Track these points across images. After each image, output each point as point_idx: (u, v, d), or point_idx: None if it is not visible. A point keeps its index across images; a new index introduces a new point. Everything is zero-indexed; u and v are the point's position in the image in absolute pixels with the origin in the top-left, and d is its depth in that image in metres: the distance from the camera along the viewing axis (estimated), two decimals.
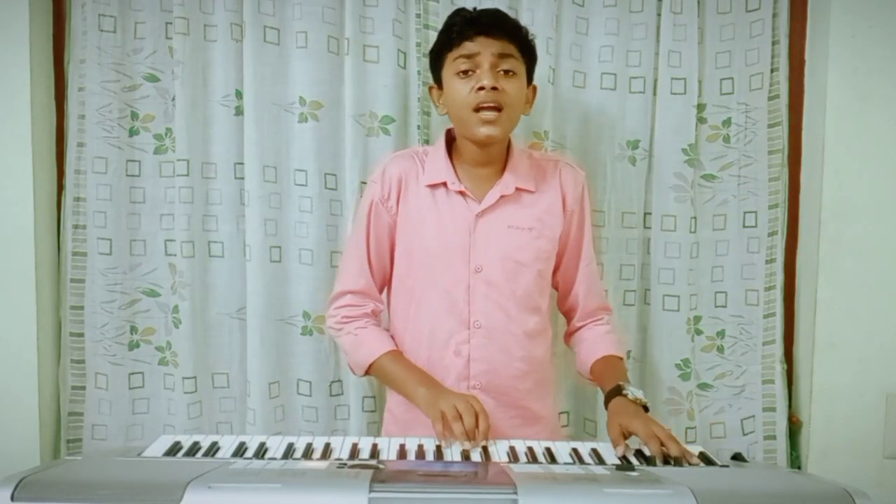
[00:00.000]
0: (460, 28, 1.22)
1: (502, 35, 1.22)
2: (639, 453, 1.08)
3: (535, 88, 1.32)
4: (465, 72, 1.21)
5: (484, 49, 1.21)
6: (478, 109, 1.20)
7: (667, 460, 1.04)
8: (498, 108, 1.20)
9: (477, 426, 1.10)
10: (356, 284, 1.32)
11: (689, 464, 1.02)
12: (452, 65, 1.23)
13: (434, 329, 1.28)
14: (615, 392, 1.21)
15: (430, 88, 1.32)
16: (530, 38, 1.28)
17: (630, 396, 1.18)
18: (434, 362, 1.28)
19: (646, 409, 1.19)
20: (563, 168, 1.34)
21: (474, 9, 1.27)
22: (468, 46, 1.21)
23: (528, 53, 1.27)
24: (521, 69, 1.24)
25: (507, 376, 1.28)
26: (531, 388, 1.31)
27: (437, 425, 1.12)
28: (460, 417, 1.10)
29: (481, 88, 1.19)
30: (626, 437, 1.10)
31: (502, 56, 1.21)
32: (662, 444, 1.06)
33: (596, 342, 1.36)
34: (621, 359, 1.35)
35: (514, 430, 1.27)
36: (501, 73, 1.21)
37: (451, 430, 1.09)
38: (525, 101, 1.28)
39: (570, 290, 1.39)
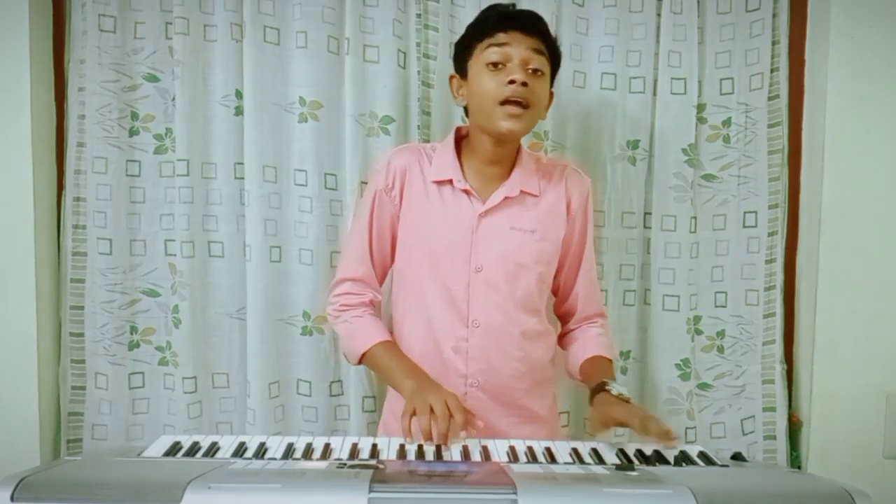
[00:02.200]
0: (496, 20, 1.22)
1: (537, 33, 1.22)
2: (639, 453, 1.07)
3: (552, 95, 1.31)
4: (496, 64, 1.20)
5: (517, 43, 1.20)
6: (504, 103, 1.20)
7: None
8: (525, 105, 1.20)
9: (448, 427, 1.07)
10: (356, 272, 1.33)
11: (668, 446, 1.03)
12: (482, 55, 1.22)
13: (432, 325, 1.28)
14: (599, 388, 1.20)
15: (451, 78, 1.31)
16: (559, 47, 1.29)
17: (613, 392, 1.18)
18: (431, 357, 1.28)
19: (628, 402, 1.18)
20: (570, 173, 1.34)
21: (512, 5, 1.28)
22: (501, 37, 1.21)
23: (555, 57, 1.27)
24: (547, 71, 1.25)
25: (505, 376, 1.28)
26: (529, 387, 1.31)
27: (405, 419, 1.10)
28: (429, 415, 1.07)
29: (511, 82, 1.18)
30: (608, 427, 1.11)
31: (534, 53, 1.21)
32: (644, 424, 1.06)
33: (586, 343, 1.36)
34: (610, 361, 1.34)
35: (511, 428, 1.27)
36: (530, 71, 1.21)
37: (419, 423, 1.08)
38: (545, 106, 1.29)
39: (569, 295, 1.39)
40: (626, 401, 1.17)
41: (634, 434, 1.08)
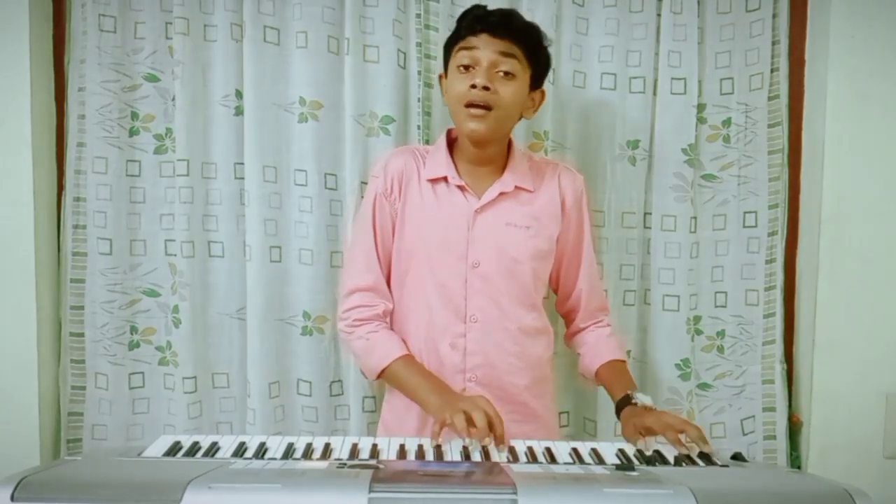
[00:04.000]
0: (469, 23, 1.24)
1: (507, 35, 1.22)
2: (639, 453, 1.08)
3: (543, 93, 1.32)
4: (466, 67, 1.23)
5: (485, 47, 1.21)
6: (468, 105, 1.21)
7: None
8: (487, 108, 1.21)
9: (493, 430, 1.08)
10: (365, 281, 1.31)
11: (703, 451, 1.05)
12: (455, 57, 1.25)
13: (431, 321, 1.28)
14: (625, 402, 1.23)
15: (440, 78, 1.34)
16: (545, 43, 1.28)
17: (639, 405, 1.21)
18: (430, 354, 1.28)
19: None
20: (562, 171, 1.35)
21: (484, 7, 1.27)
22: (471, 41, 1.22)
23: (534, 57, 1.26)
24: (522, 72, 1.24)
25: (502, 371, 1.29)
26: (528, 384, 1.31)
27: (436, 427, 1.10)
28: (472, 425, 1.08)
29: (474, 86, 1.20)
30: (643, 436, 1.12)
31: (503, 56, 1.21)
32: (679, 432, 1.08)
33: (599, 346, 1.37)
34: (624, 362, 1.37)
35: (510, 425, 1.26)
36: (501, 73, 1.22)
37: (455, 431, 1.08)
38: (529, 106, 1.29)
39: (571, 292, 1.40)
40: (652, 409, 1.20)
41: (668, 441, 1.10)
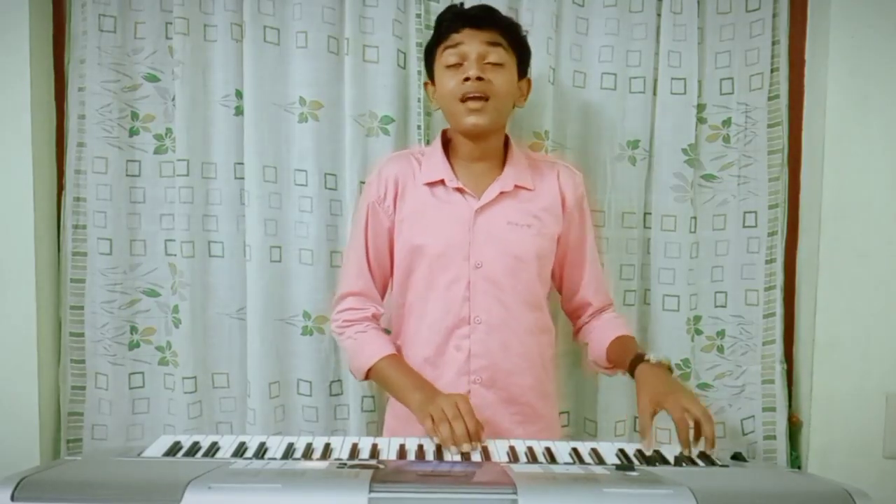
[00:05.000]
0: (449, 22, 1.25)
1: (489, 26, 1.24)
2: (639, 453, 1.08)
3: (529, 82, 1.33)
4: (454, 64, 1.24)
5: (470, 40, 1.23)
6: (464, 100, 1.22)
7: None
8: (484, 98, 1.22)
9: (467, 429, 1.08)
10: (356, 286, 1.33)
11: (707, 453, 1.05)
12: (442, 58, 1.26)
13: (435, 325, 1.28)
14: (638, 360, 1.21)
15: (426, 85, 1.34)
16: (522, 32, 1.30)
17: (653, 360, 1.19)
18: (435, 357, 1.28)
19: (670, 370, 1.19)
20: (561, 170, 1.35)
21: (462, 3, 1.30)
22: (455, 38, 1.24)
23: (518, 46, 1.28)
24: (509, 61, 1.26)
25: (507, 372, 1.28)
26: (532, 384, 1.31)
27: (427, 423, 1.11)
28: (448, 421, 1.08)
29: (467, 79, 1.21)
30: (654, 414, 1.10)
31: (490, 46, 1.23)
32: (695, 421, 1.07)
33: (605, 328, 1.37)
34: (633, 338, 1.35)
35: (514, 426, 1.27)
36: (489, 64, 1.23)
37: (438, 433, 1.08)
38: (520, 95, 1.31)
39: (577, 291, 1.40)
40: (669, 367, 1.19)
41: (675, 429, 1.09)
